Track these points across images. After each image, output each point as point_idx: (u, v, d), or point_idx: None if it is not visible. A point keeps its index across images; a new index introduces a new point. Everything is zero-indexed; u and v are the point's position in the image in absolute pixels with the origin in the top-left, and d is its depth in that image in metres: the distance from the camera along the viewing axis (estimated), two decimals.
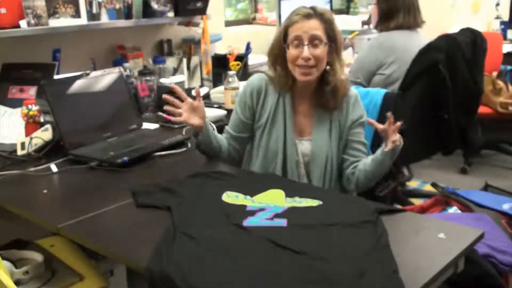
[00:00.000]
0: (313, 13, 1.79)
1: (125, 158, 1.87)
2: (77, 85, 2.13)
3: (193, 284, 1.12)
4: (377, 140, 2.09)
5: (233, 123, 1.96)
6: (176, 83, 2.75)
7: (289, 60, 1.81)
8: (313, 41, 1.76)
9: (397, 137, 1.70)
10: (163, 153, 1.99)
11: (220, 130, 2.04)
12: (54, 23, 2.35)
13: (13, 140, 2.10)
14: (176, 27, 3.19)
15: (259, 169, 1.91)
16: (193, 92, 1.91)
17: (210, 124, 2.28)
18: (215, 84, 3.05)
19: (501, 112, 3.82)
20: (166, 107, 1.79)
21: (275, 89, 1.90)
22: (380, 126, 1.71)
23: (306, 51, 1.75)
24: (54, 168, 1.85)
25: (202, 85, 3.13)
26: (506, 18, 4.73)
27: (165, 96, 1.81)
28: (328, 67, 1.83)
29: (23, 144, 1.97)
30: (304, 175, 1.89)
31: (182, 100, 1.82)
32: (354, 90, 1.92)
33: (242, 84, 2.62)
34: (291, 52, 1.79)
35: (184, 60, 3.04)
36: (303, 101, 1.90)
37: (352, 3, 5.19)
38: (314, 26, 1.77)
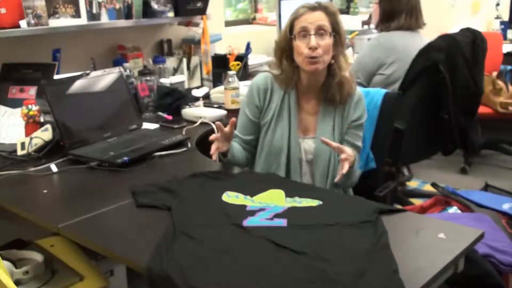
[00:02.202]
0: (318, 6, 1.84)
1: (125, 158, 1.87)
2: (77, 85, 2.13)
3: (193, 284, 1.12)
4: (378, 141, 2.09)
5: (243, 126, 1.95)
6: (176, 83, 2.77)
7: (296, 53, 1.82)
8: (319, 31, 1.79)
9: (345, 169, 1.67)
10: (163, 153, 1.99)
11: None
12: (54, 23, 2.35)
13: (13, 140, 2.10)
14: (176, 27, 3.19)
15: (263, 167, 1.91)
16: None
17: (210, 123, 2.29)
18: (215, 84, 3.05)
19: (501, 112, 3.82)
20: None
21: (280, 87, 1.90)
22: (334, 146, 1.72)
23: (313, 40, 1.77)
24: (54, 168, 1.85)
25: (202, 85, 3.13)
26: (506, 18, 4.73)
27: (212, 137, 1.75)
28: (333, 61, 1.84)
29: (23, 144, 1.97)
30: (307, 173, 1.90)
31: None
32: (359, 90, 1.92)
33: (242, 84, 2.64)
34: (298, 43, 1.81)
35: (184, 60, 3.03)
36: (308, 99, 1.91)
37: (352, 3, 5.19)
38: (320, 17, 1.81)
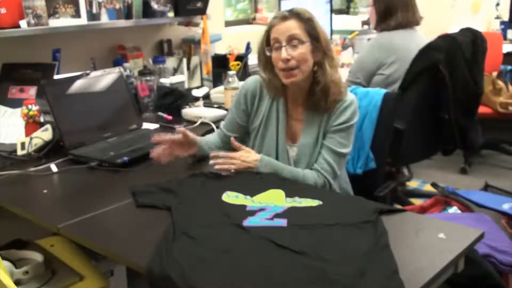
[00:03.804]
0: (290, 14, 1.74)
1: (125, 158, 1.87)
2: (77, 85, 2.13)
3: (193, 284, 1.12)
4: (378, 141, 2.09)
5: (228, 122, 1.94)
6: (176, 83, 2.76)
7: (274, 64, 1.76)
8: (291, 41, 1.70)
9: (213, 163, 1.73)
10: None
11: None
12: (54, 23, 2.35)
13: (13, 140, 2.10)
14: (176, 27, 3.19)
15: None
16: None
17: (210, 123, 2.29)
18: (215, 84, 3.05)
19: (501, 112, 3.82)
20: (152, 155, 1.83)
21: (269, 93, 1.86)
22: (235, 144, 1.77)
23: (284, 52, 1.70)
24: (54, 168, 1.85)
25: (202, 85, 3.13)
26: (506, 18, 4.72)
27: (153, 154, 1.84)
28: (316, 67, 1.76)
29: (23, 144, 1.97)
30: None
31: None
32: (351, 96, 1.80)
33: (242, 84, 2.63)
34: (274, 55, 1.74)
35: (184, 60, 3.03)
36: (296, 106, 1.84)
37: (352, 3, 5.19)
38: (292, 27, 1.71)
